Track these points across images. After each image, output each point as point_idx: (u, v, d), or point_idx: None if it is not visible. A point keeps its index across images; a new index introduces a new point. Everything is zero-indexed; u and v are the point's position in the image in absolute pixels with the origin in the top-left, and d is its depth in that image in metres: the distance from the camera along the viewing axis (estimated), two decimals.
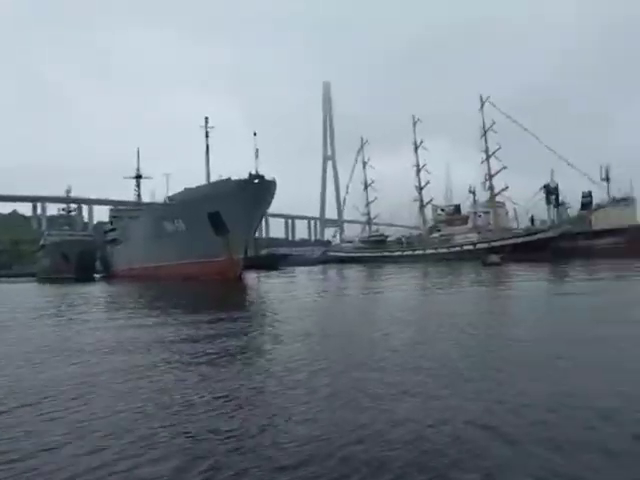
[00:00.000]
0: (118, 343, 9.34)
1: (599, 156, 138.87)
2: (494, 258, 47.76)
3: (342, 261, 79.52)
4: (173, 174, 43.98)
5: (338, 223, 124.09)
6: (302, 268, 62.38)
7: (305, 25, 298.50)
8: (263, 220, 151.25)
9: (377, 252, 79.95)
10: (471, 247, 68.98)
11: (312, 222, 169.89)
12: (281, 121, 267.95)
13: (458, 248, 70.46)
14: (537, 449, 3.79)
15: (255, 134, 36.11)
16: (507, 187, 69.82)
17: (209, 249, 35.48)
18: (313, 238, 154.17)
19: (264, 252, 65.78)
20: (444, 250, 71.68)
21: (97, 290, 32.64)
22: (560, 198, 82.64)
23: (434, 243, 75.70)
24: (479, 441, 3.98)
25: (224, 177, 35.62)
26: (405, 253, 75.88)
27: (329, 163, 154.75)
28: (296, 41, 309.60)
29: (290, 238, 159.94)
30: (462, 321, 10.36)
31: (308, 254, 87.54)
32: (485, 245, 68.23)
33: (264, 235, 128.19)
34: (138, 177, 53.72)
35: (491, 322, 11.00)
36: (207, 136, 41.97)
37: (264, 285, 31.41)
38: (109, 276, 59.68)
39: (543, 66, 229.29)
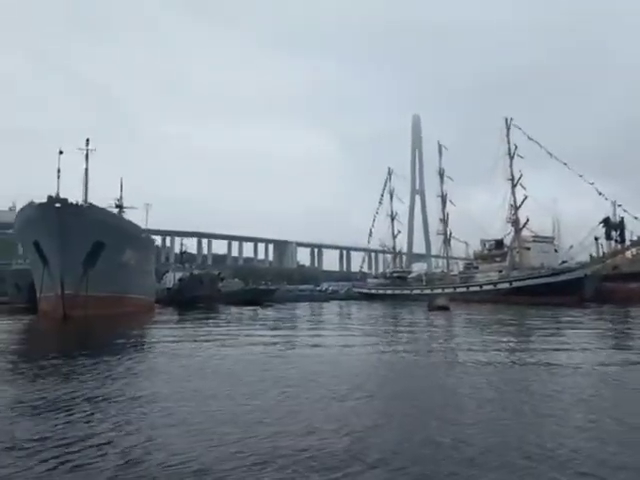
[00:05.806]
0: None
1: None
2: (441, 301, 41.20)
3: (365, 298, 74.34)
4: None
5: (426, 258, 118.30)
6: (295, 304, 58.21)
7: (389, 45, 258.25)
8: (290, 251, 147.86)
9: (397, 289, 73.87)
10: (491, 287, 61.02)
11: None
12: (370, 147, 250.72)
13: (477, 288, 62.65)
14: None
15: (61, 152, 33.29)
16: (528, 220, 61.09)
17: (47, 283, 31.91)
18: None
19: (238, 286, 62.24)
20: (462, 289, 64.11)
21: None
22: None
23: (454, 281, 68.20)
24: None
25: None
26: (424, 292, 69.09)
27: (417, 197, 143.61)
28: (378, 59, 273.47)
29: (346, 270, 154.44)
30: None
31: (332, 288, 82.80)
32: (506, 285, 60.04)
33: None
34: (118, 207, 51.20)
35: None
36: (87, 159, 39.18)
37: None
38: None
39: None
